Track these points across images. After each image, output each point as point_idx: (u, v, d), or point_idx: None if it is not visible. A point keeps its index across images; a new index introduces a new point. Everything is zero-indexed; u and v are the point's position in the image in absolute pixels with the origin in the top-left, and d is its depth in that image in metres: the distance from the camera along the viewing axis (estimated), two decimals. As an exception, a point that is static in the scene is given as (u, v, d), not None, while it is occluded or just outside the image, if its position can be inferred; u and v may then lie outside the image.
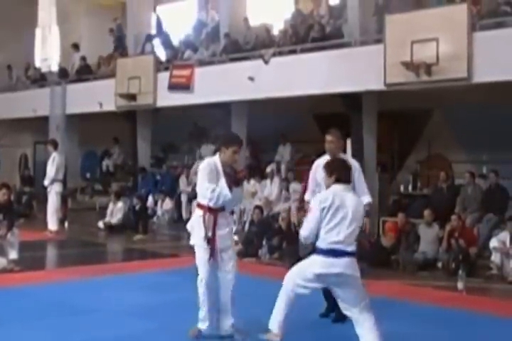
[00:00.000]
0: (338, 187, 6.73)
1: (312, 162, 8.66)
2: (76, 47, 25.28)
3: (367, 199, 8.19)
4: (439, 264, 12.38)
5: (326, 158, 8.08)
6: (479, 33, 13.24)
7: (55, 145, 17.34)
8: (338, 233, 6.53)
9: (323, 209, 6.56)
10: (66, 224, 18.45)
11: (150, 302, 9.09)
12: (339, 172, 6.81)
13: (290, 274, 7.09)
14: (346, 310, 6.82)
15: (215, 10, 21.77)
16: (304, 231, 6.73)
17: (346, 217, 6.56)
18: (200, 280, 7.41)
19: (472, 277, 11.16)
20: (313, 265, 6.72)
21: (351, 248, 6.61)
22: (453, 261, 11.84)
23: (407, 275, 11.90)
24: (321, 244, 6.61)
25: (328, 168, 6.93)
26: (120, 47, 23.92)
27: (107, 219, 18.01)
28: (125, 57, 22.37)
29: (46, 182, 16.80)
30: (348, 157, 8.66)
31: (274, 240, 13.43)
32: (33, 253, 13.68)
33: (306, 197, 8.60)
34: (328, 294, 7.82)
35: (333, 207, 6.55)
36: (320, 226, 6.58)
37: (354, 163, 8.17)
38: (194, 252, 7.43)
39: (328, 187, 6.88)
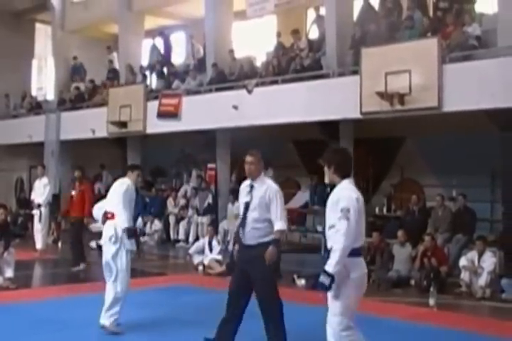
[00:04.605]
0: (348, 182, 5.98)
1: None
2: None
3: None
4: (412, 282, 12.41)
5: None
6: (449, 65, 13.37)
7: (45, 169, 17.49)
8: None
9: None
10: (60, 244, 18.38)
11: (139, 319, 9.03)
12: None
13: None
14: None
15: (200, 43, 21.92)
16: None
17: None
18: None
19: (443, 294, 11.17)
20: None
21: None
22: (425, 278, 11.86)
23: (382, 292, 11.90)
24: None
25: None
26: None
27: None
28: (116, 86, 22.45)
29: (44, 203, 16.66)
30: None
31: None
32: (28, 271, 13.61)
33: None
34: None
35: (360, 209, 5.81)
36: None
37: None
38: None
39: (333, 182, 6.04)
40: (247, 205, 7.21)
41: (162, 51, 23.84)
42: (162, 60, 23.04)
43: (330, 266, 5.62)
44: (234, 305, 7.22)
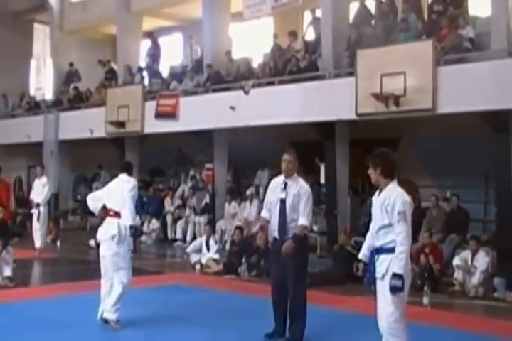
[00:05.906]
0: (394, 183, 6.28)
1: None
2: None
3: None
4: (406, 281, 12.46)
5: None
6: (443, 68, 13.46)
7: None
8: None
9: None
10: (58, 243, 18.44)
11: (136, 316, 9.07)
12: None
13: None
14: None
15: (199, 44, 21.98)
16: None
17: None
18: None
19: (436, 293, 11.23)
20: None
21: None
22: (419, 277, 11.92)
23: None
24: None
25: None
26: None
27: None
28: (114, 87, 22.51)
29: (43, 203, 16.68)
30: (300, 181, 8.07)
31: (253, 258, 13.47)
32: (27, 270, 13.66)
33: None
34: (279, 314, 7.78)
35: None
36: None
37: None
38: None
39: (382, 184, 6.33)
40: (283, 202, 7.69)
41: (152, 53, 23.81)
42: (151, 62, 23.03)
43: (400, 269, 5.95)
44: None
